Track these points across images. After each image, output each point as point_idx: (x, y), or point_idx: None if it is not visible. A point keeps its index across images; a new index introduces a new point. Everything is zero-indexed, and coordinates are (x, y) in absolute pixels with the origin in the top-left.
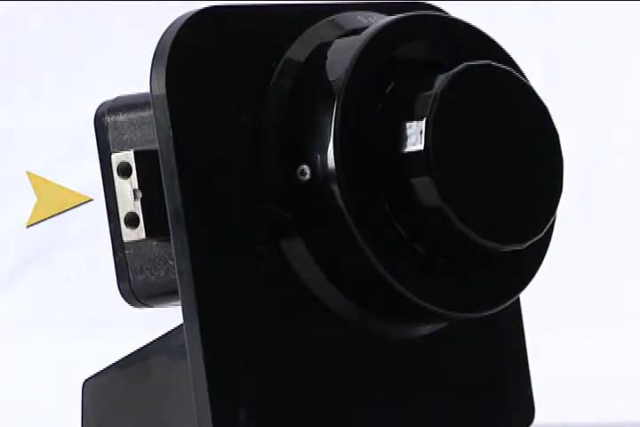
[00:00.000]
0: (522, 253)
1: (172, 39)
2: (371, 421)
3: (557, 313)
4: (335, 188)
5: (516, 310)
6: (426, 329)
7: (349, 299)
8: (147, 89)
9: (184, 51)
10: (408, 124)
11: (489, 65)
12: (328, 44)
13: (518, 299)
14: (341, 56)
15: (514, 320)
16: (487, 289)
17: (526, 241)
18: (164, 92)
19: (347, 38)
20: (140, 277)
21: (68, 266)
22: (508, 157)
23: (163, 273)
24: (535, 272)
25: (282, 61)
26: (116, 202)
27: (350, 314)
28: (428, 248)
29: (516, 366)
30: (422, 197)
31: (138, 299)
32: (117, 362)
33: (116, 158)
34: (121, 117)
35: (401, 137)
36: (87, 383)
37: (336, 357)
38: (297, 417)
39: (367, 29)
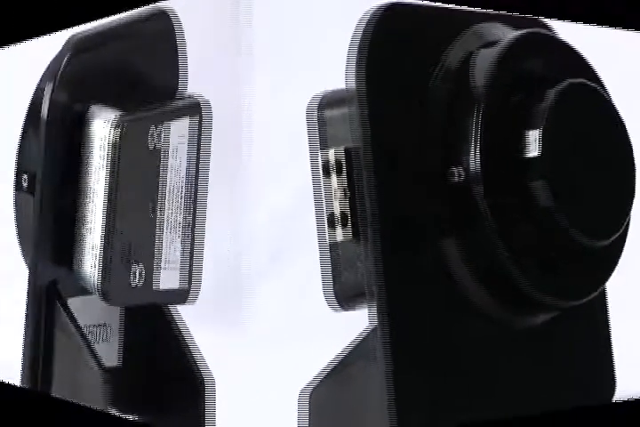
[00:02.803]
0: (607, 246)
1: (369, 36)
2: (515, 399)
3: None
4: (479, 189)
5: (602, 300)
6: (541, 318)
7: (490, 295)
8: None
9: (382, 49)
10: (527, 133)
11: (586, 84)
12: (474, 53)
13: (604, 290)
14: (483, 65)
15: (603, 309)
16: (582, 280)
17: (611, 237)
18: (365, 88)
19: (487, 50)
20: (341, 278)
21: None
22: (598, 164)
23: (358, 274)
24: (617, 262)
25: (442, 64)
26: (324, 201)
27: (493, 309)
28: (539, 246)
29: (605, 348)
30: (538, 198)
31: (342, 302)
32: (327, 369)
33: (328, 156)
34: (333, 113)
35: (521, 143)
36: (304, 392)
37: (488, 350)
38: (465, 412)
39: (501, 42)
